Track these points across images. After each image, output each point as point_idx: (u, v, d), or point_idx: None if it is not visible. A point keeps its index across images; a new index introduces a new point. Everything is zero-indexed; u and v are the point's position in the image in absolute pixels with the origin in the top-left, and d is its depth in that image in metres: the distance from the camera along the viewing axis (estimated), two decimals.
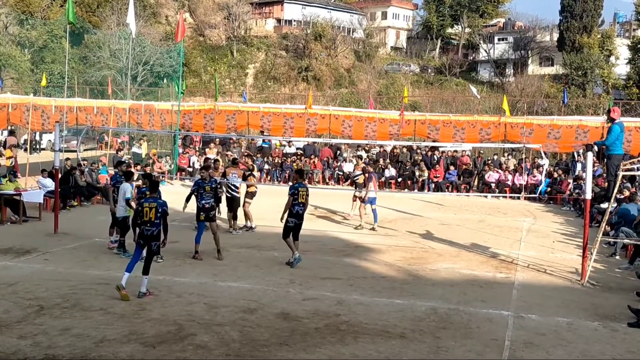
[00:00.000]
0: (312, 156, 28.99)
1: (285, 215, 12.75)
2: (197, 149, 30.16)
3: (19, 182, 18.33)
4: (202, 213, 13.42)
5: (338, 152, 29.93)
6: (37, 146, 36.50)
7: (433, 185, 26.06)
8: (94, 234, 15.46)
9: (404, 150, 28.80)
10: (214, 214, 13.61)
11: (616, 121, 13.25)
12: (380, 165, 27.77)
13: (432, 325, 9.31)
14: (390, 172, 27.36)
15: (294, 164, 26.93)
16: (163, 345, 8.24)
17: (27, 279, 11.31)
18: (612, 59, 57.07)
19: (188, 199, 13.90)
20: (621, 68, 56.37)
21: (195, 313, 9.59)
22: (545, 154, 19.44)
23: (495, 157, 28.59)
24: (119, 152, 24.89)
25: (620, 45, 57.80)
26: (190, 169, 27.96)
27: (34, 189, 18.47)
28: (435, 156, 27.70)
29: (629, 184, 17.87)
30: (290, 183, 15.76)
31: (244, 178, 16.83)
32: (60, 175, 17.32)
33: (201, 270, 12.37)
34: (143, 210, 10.49)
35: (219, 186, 15.23)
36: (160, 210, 10.59)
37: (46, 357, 7.75)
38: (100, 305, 9.78)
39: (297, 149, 29.98)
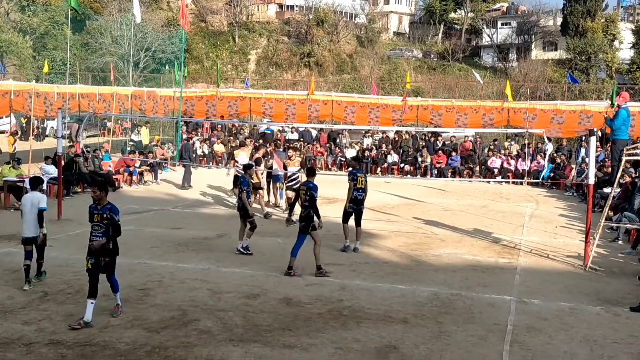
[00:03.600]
0: (315, 142, 29.01)
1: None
2: (203, 136, 30.16)
3: (22, 169, 18.38)
4: (303, 222, 11.26)
5: (339, 136, 29.89)
6: (43, 133, 36.55)
7: (436, 171, 26.05)
8: None
9: (406, 136, 28.79)
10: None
11: (623, 105, 13.20)
12: (383, 151, 27.75)
13: (434, 311, 9.34)
14: (393, 158, 27.34)
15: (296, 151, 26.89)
16: (167, 330, 8.28)
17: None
18: (616, 43, 56.76)
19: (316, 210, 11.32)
20: (625, 52, 56.08)
21: (198, 299, 9.63)
22: (548, 139, 19.41)
23: (496, 142, 28.57)
24: (189, 140, 25.25)
25: (624, 30, 57.48)
26: (193, 155, 27.97)
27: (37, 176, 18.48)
28: (438, 142, 27.67)
29: (632, 169, 17.82)
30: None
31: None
32: (63, 162, 17.36)
33: (204, 256, 12.41)
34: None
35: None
36: (106, 215, 8.52)
37: (51, 343, 7.80)
38: (104, 292, 9.80)
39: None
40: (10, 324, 8.39)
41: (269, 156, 18.73)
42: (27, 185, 17.24)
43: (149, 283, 10.37)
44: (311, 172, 11.78)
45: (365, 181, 13.31)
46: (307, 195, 11.15)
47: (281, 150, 20.54)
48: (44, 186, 17.84)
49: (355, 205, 13.11)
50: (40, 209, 10.12)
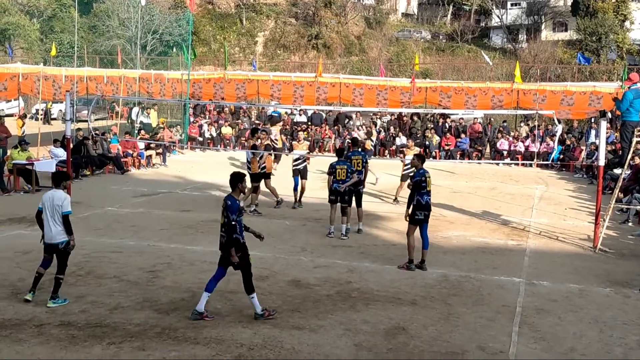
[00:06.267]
0: (324, 124, 28.95)
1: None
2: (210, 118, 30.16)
3: (30, 152, 18.44)
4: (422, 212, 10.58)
5: (347, 120, 29.81)
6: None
7: (444, 153, 25.95)
8: (107, 203, 15.57)
9: (414, 118, 28.68)
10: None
11: (633, 87, 13.02)
12: (391, 134, 27.65)
13: (443, 292, 9.35)
14: (401, 140, 27.24)
15: (304, 132, 26.83)
16: (176, 312, 8.33)
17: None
18: (627, 23, 56.10)
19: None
20: (636, 33, 55.45)
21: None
22: (558, 120, 19.28)
23: (505, 123, 28.42)
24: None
25: (636, 10, 56.76)
26: (201, 139, 28.01)
27: (46, 159, 18.56)
28: (446, 124, 27.55)
29: None
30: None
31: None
32: (72, 145, 17.41)
33: (213, 238, 12.40)
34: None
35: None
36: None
37: (61, 324, 7.86)
38: (114, 273, 9.88)
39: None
40: (22, 306, 8.46)
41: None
42: (36, 168, 17.34)
43: (158, 265, 10.42)
44: (422, 159, 10.98)
45: (364, 162, 13.35)
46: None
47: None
48: (54, 169, 18.02)
49: (353, 187, 13.02)
50: (64, 213, 8.56)
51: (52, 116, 36.78)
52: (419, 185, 10.45)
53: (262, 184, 15.35)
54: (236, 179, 8.24)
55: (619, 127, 15.81)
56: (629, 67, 35.66)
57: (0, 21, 49.50)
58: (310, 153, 16.37)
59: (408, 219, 10.60)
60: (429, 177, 10.64)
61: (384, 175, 21.10)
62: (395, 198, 16.48)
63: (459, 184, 20.27)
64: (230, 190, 8.26)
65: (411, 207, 10.53)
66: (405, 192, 11.81)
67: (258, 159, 15.24)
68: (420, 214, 10.48)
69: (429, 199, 10.57)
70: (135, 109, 29.03)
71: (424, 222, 10.59)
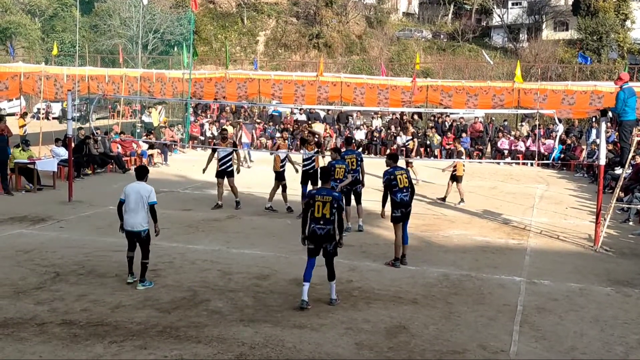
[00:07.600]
0: (325, 124, 28.96)
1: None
2: (211, 117, 30.17)
3: (32, 151, 18.46)
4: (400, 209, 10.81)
5: (349, 118, 29.85)
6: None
7: (445, 152, 25.96)
8: (108, 202, 15.55)
9: (415, 117, 28.67)
10: None
11: (622, 87, 12.97)
12: (392, 133, 27.66)
13: (444, 291, 9.36)
14: (402, 139, 27.21)
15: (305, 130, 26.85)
16: (178, 311, 8.34)
17: (42, 246, 11.45)
18: (628, 23, 56.09)
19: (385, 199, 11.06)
20: (637, 32, 55.42)
21: (209, 279, 9.68)
22: (559, 120, 19.28)
23: (506, 122, 28.42)
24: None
25: (636, 9, 56.72)
26: (202, 137, 28.02)
27: (47, 158, 18.58)
28: (446, 123, 27.55)
29: None
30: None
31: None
32: (73, 144, 17.43)
33: (214, 237, 12.46)
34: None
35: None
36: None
37: (63, 322, 7.88)
38: (116, 272, 9.90)
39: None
40: (24, 304, 8.48)
41: (238, 128, 19.15)
42: (38, 167, 17.37)
43: (159, 264, 10.43)
44: (392, 158, 11.26)
45: (359, 161, 13.48)
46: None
47: (249, 122, 21.94)
48: (55, 168, 18.06)
49: (350, 186, 13.04)
50: (151, 203, 9.32)
51: (54, 115, 36.84)
52: (389, 184, 10.73)
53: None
54: (329, 172, 9.39)
55: (617, 127, 15.82)
56: (629, 66, 35.67)
57: (1, 20, 49.58)
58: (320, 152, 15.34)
59: (390, 219, 10.86)
60: (401, 174, 10.82)
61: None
62: (462, 199, 16.56)
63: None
64: (321, 183, 9.09)
65: (386, 205, 10.90)
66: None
67: (281, 158, 15.28)
68: (397, 211, 10.72)
69: (404, 196, 10.73)
70: (160, 108, 29.05)
71: (404, 220, 10.83)
